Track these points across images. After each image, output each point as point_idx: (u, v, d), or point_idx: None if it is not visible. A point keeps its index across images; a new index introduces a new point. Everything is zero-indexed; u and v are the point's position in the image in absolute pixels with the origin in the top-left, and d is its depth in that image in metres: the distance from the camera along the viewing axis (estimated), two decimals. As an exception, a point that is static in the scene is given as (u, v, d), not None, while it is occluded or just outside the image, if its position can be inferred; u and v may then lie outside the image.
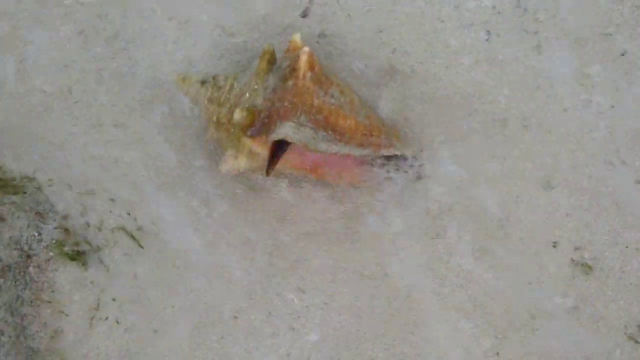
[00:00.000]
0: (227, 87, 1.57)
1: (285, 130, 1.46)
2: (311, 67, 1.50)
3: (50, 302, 1.57)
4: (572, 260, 1.57)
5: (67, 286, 1.58)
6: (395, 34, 1.69)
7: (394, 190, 1.62)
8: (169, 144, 1.68)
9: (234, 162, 1.53)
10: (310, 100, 1.49)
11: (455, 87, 1.65)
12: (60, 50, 1.71)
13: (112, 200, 1.64)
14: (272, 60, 1.56)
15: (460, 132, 1.63)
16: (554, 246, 1.58)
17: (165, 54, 1.71)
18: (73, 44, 1.72)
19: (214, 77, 1.59)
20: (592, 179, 1.59)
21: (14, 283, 1.55)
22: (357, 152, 1.52)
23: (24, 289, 1.56)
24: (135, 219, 1.63)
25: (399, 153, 1.56)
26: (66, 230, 1.60)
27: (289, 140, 1.47)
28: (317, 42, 1.69)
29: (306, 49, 1.49)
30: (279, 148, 1.52)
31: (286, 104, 1.49)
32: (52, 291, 1.58)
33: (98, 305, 1.59)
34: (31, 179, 1.62)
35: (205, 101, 1.58)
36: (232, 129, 1.54)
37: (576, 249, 1.57)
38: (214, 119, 1.57)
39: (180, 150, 1.67)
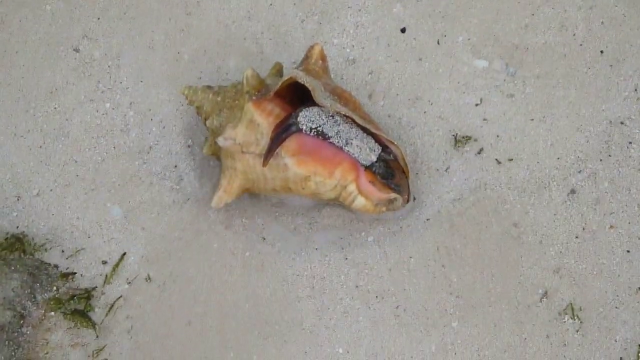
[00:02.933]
0: (234, 83, 1.64)
1: (295, 72, 1.52)
2: (322, 57, 1.61)
3: (44, 361, 1.58)
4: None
5: (62, 345, 1.59)
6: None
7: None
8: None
9: (232, 132, 1.55)
10: (319, 78, 1.57)
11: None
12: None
13: (104, 262, 1.66)
14: (281, 71, 1.66)
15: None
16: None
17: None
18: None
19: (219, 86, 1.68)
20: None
21: (7, 343, 1.55)
22: (359, 120, 1.54)
23: (18, 348, 1.56)
24: (128, 281, 1.65)
25: (395, 143, 1.57)
26: (59, 290, 1.61)
27: (299, 80, 1.51)
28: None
29: (319, 43, 1.62)
30: (279, 135, 1.53)
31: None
32: (46, 352, 1.58)
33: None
34: (22, 239, 1.64)
35: (211, 95, 1.63)
36: (237, 102, 1.59)
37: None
38: (218, 101, 1.62)
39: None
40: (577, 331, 1.57)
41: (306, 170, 1.55)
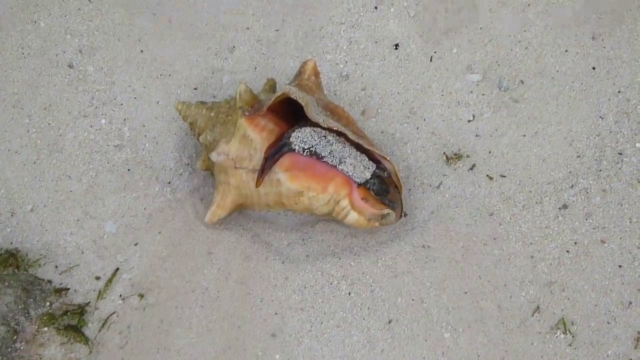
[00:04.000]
0: (227, 99, 1.65)
1: (288, 88, 1.52)
2: (315, 73, 1.62)
3: (37, 377, 1.58)
4: None
5: (54, 361, 1.60)
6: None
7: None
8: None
9: (225, 147, 1.56)
10: (312, 94, 1.57)
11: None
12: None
13: (98, 278, 1.66)
14: (274, 87, 1.68)
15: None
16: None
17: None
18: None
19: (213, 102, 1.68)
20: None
21: (0, 358, 1.54)
22: (352, 136, 1.54)
23: (11, 364, 1.57)
24: (122, 296, 1.65)
25: (388, 158, 1.57)
26: (53, 305, 1.62)
27: (292, 96, 1.51)
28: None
29: (313, 58, 1.62)
30: (272, 156, 1.54)
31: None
32: (40, 367, 1.59)
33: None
34: (16, 254, 1.64)
35: (204, 110, 1.64)
36: (230, 117, 1.59)
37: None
38: (212, 116, 1.62)
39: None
40: (570, 345, 1.57)
41: (299, 185, 1.55)
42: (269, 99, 1.57)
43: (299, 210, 1.60)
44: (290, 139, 1.54)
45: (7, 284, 1.59)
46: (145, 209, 1.71)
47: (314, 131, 1.55)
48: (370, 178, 1.57)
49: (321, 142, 1.54)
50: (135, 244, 1.68)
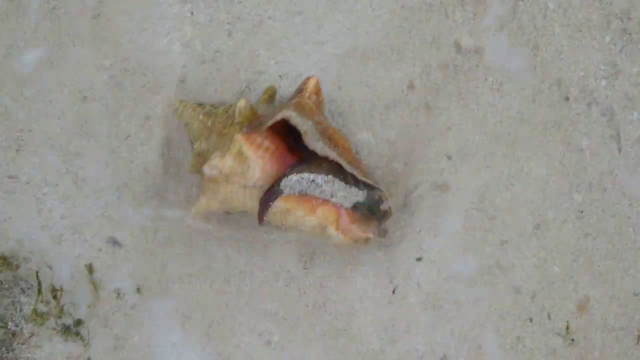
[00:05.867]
0: (226, 107, 1.64)
1: (288, 113, 1.52)
2: (317, 91, 1.59)
3: (36, 378, 1.63)
4: None
5: (51, 361, 1.64)
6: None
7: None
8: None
9: (219, 161, 1.55)
10: (312, 114, 1.55)
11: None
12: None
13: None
14: (273, 96, 1.67)
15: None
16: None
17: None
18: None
19: (212, 105, 1.68)
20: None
21: (-1, 361, 1.60)
22: (347, 166, 1.55)
23: (8, 365, 1.61)
24: (118, 295, 1.68)
25: (381, 188, 1.58)
26: (48, 305, 1.64)
27: (291, 121, 1.52)
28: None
29: (316, 76, 1.59)
30: (266, 202, 1.56)
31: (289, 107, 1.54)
32: (37, 368, 1.63)
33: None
34: (9, 257, 1.66)
35: (201, 115, 1.64)
36: (226, 131, 1.58)
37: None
38: (208, 124, 1.61)
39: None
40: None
41: (288, 204, 1.56)
42: (268, 116, 1.55)
43: (285, 226, 1.60)
44: (280, 186, 1.55)
45: (3, 285, 1.63)
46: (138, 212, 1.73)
47: (302, 178, 1.55)
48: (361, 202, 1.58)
49: (310, 187, 1.56)
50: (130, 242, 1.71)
